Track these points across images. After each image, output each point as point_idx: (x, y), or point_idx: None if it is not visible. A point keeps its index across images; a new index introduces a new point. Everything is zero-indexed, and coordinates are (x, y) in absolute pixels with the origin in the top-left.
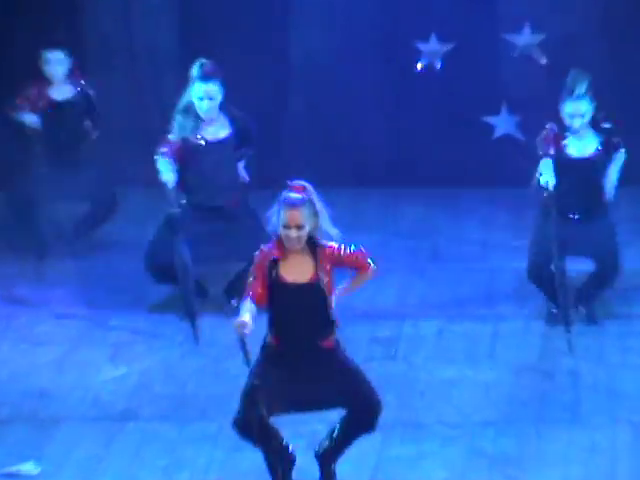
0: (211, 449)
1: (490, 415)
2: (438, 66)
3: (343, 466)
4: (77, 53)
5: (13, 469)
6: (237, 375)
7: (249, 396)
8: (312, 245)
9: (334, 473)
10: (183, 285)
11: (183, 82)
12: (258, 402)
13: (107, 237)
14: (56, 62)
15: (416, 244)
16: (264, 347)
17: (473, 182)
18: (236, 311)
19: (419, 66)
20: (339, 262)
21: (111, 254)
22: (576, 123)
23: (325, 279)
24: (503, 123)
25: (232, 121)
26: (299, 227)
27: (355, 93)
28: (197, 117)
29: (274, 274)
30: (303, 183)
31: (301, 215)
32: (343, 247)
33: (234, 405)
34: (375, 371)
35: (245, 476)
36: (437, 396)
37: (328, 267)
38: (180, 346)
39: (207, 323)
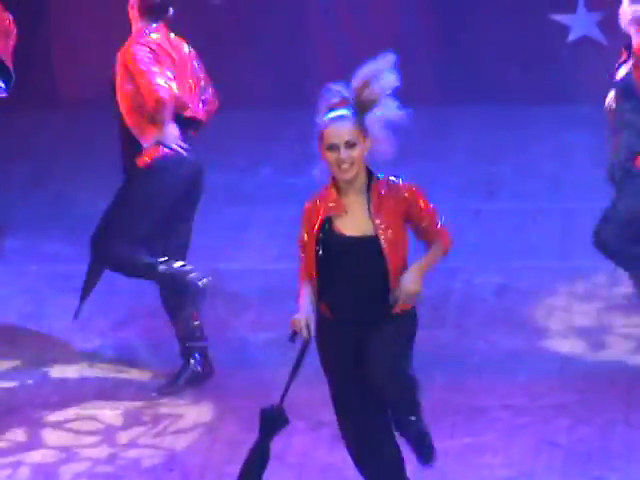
0: None
1: (566, 398)
2: None
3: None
4: None
5: None
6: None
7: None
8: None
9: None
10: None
11: None
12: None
13: None
14: None
15: (470, 178)
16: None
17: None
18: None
19: None
20: (408, 210)
21: None
22: None
23: (388, 230)
24: (580, 23)
25: None
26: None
27: None
28: None
29: (327, 228)
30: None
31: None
32: (420, 191)
33: None
34: (417, 341)
35: None
36: (498, 373)
37: (393, 213)
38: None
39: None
